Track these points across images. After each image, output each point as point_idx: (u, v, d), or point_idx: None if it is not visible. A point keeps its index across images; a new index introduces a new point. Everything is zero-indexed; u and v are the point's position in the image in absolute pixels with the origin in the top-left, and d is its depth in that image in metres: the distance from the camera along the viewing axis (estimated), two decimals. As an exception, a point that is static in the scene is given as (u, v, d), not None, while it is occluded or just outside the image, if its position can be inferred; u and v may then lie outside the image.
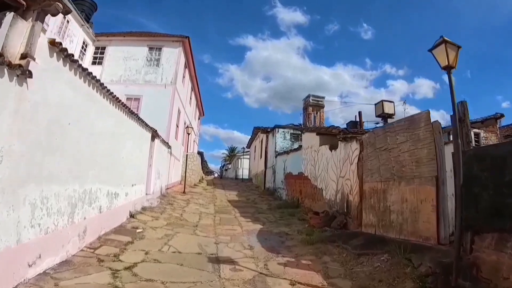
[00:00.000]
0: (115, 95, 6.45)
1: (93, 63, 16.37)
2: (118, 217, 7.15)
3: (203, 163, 55.31)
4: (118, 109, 6.84)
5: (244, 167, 33.02)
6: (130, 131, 7.79)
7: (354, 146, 7.98)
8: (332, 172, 9.07)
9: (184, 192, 14.03)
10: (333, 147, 9.39)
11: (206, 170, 53.08)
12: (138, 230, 6.77)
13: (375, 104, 14.06)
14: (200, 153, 43.81)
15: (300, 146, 12.38)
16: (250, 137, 27.72)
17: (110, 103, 6.36)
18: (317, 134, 10.44)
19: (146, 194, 10.08)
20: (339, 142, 8.78)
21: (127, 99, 15.31)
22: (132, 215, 7.96)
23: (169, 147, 14.19)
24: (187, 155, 15.44)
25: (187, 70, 19.75)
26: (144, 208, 9.02)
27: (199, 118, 31.09)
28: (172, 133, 16.01)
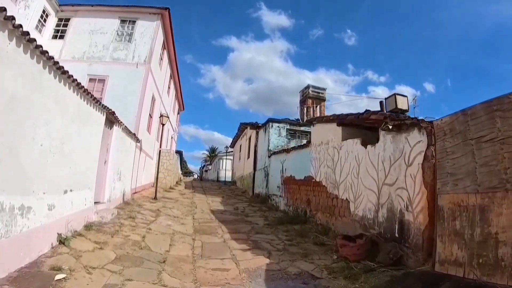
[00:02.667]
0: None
1: (54, 36, 13.25)
2: (30, 248, 4.07)
3: (182, 163, 51.95)
4: (29, 54, 3.77)
5: (226, 169, 29.95)
6: (58, 102, 4.71)
7: (416, 137, 5.23)
8: (369, 177, 6.28)
9: (155, 198, 10.91)
10: (368, 142, 6.61)
11: (186, 171, 49.74)
12: (57, 277, 3.70)
13: (386, 99, 11.55)
14: (179, 152, 40.42)
15: (308, 143, 9.53)
16: (234, 136, 24.76)
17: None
18: (338, 125, 7.63)
19: (96, 203, 6.97)
20: (383, 133, 6.00)
21: (90, 80, 12.46)
22: (62, 241, 4.87)
23: (138, 140, 11.07)
24: (160, 151, 12.31)
25: (165, 51, 16.64)
26: (88, 226, 5.94)
27: (178, 113, 27.80)
28: (144, 124, 12.87)
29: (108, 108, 7.26)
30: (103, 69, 12.69)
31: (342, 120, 7.44)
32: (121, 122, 8.41)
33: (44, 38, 12.88)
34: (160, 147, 17.80)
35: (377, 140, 6.24)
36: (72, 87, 5.20)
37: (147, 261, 4.67)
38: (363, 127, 7.57)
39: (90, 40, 13.22)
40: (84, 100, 5.79)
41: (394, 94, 11.37)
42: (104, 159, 7.67)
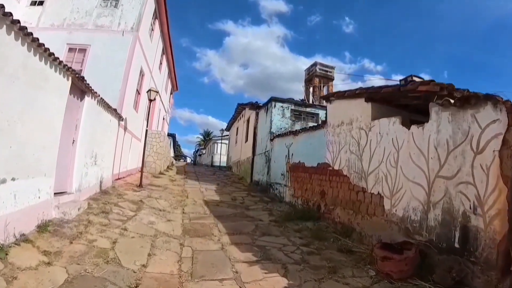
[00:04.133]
0: None
1: (33, 3, 11.47)
2: None
3: (176, 146, 50.31)
4: None
5: (221, 153, 28.44)
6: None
7: (489, 115, 3.77)
8: (414, 167, 4.81)
9: (140, 185, 9.36)
10: (411, 121, 5.13)
11: (179, 154, 48.13)
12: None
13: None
14: (172, 135, 38.78)
15: (323, 123, 7.98)
16: (230, 118, 23.12)
17: None
18: (367, 100, 6.10)
19: (57, 194, 5.44)
20: (436, 109, 4.51)
21: (69, 49, 10.73)
22: (-6, 250, 3.37)
23: (121, 118, 9.45)
24: (146, 130, 10.69)
25: (157, 22, 14.81)
26: (42, 227, 4.43)
27: (171, 93, 25.95)
28: (129, 100, 11.22)
29: (76, 72, 5.64)
30: (84, 38, 11.00)
31: (373, 94, 5.89)
32: (96, 92, 6.78)
33: (22, 5, 11.20)
34: (150, 128, 16.21)
35: (423, 119, 4.75)
36: (13, 33, 3.59)
37: (111, 286, 3.17)
38: (396, 105, 6.07)
39: (71, 5, 11.48)
40: (36, 56, 4.19)
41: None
42: (71, 138, 6.10)
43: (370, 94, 5.94)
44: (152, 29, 14.00)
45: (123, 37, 11.12)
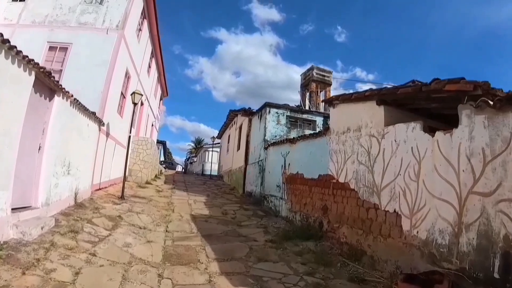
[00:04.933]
0: None
1: None
2: None
3: (166, 154, 49.13)
4: None
5: (212, 161, 27.53)
6: None
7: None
8: (440, 181, 4.08)
9: (121, 197, 8.46)
10: (432, 128, 4.42)
11: (169, 162, 46.92)
12: None
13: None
14: (162, 142, 37.73)
15: (326, 130, 7.23)
16: (222, 125, 22.33)
17: None
18: (380, 104, 5.38)
19: (17, 209, 4.57)
20: (468, 112, 3.80)
21: (50, 48, 9.89)
22: None
23: (101, 122, 8.59)
24: (129, 137, 9.79)
25: (146, 22, 14.03)
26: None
27: (161, 99, 25.05)
28: (113, 103, 10.36)
29: (41, 67, 4.82)
30: (66, 35, 10.19)
31: (387, 96, 5.18)
32: (69, 92, 5.94)
33: (3, 1, 10.41)
34: (138, 134, 15.30)
35: (440, 126, 4.04)
36: None
37: None
38: (409, 110, 5.38)
39: (54, 1, 10.70)
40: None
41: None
42: (37, 143, 5.24)
43: (383, 96, 5.22)
44: (140, 29, 13.23)
45: (107, 35, 10.33)
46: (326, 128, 7.19)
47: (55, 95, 5.64)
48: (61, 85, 5.57)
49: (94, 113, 7.72)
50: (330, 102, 7.01)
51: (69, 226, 5.26)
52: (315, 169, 7.30)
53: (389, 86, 5.54)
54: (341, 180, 6.27)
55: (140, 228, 6.09)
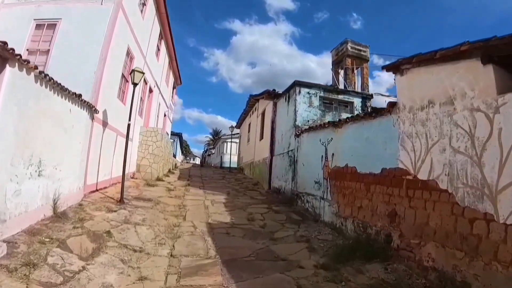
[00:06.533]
0: None
1: None
2: None
3: (183, 147, 47.80)
4: None
5: (231, 153, 25.75)
6: None
7: None
8: None
9: (120, 200, 6.74)
10: None
11: (187, 155, 45.64)
12: None
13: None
14: (178, 134, 36.19)
15: (391, 107, 5.18)
16: (241, 114, 20.49)
17: None
18: (487, 62, 3.31)
19: None
20: None
21: (37, 26, 8.42)
22: None
23: (92, 108, 6.87)
24: (128, 125, 7.99)
25: (151, -3, 12.22)
26: None
27: (174, 87, 23.30)
28: (110, 86, 8.64)
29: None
30: (54, 10, 8.61)
31: (499, 49, 3.11)
32: (28, 62, 4.16)
33: None
34: (147, 125, 13.60)
35: None
36: None
37: None
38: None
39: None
40: None
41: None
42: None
43: (493, 50, 3.16)
44: (144, 4, 11.42)
45: (101, 7, 8.60)
46: (391, 104, 5.13)
47: (7, 65, 3.87)
48: (13, 51, 3.78)
49: (79, 96, 5.95)
50: (397, 67, 4.95)
51: (28, 255, 3.53)
52: (375, 160, 5.29)
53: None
54: (422, 176, 4.25)
55: (135, 251, 4.30)
